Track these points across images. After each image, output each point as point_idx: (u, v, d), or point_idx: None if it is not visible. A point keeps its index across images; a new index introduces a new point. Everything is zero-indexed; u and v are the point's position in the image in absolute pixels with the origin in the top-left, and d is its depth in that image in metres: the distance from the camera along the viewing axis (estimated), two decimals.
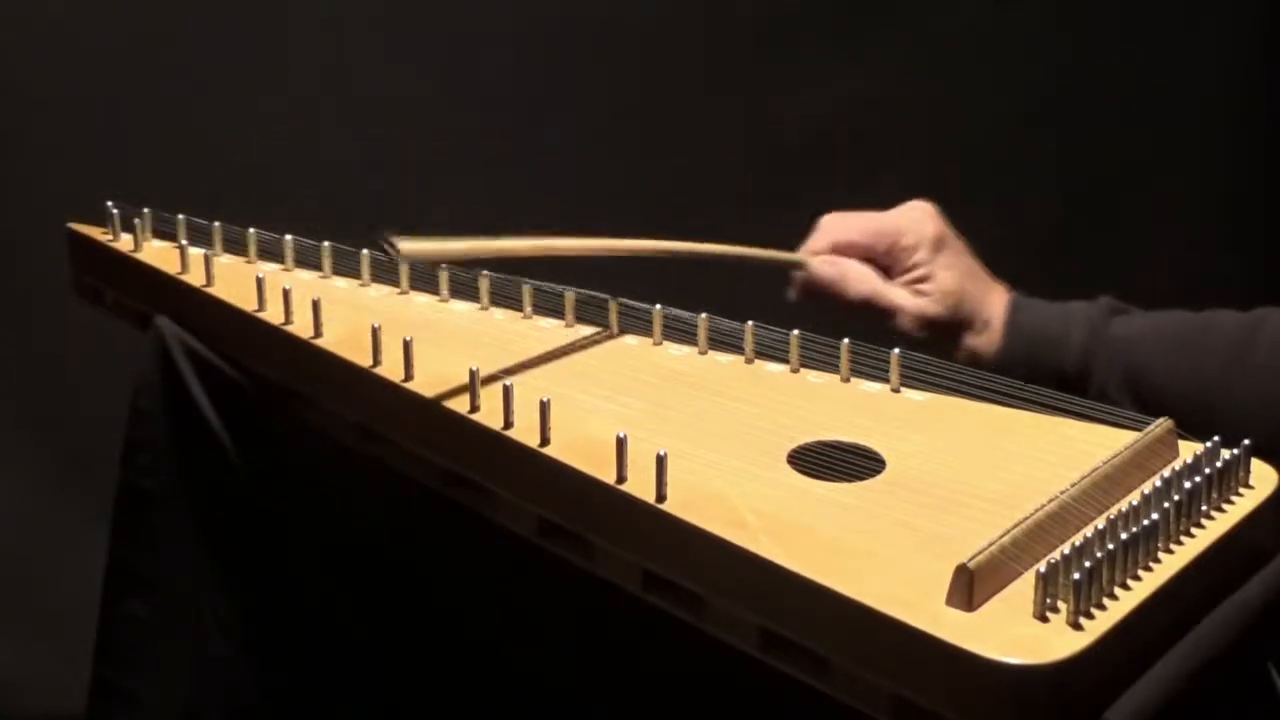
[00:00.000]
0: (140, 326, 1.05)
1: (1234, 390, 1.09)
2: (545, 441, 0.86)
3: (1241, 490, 0.82)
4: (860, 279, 1.14)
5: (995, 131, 2.11)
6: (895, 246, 1.15)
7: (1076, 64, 2.15)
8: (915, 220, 1.17)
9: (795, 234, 1.19)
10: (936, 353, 1.12)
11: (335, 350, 0.96)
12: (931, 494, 0.82)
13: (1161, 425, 0.85)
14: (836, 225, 1.16)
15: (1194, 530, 0.78)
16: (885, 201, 1.20)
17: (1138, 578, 0.74)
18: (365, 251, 1.08)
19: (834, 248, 1.15)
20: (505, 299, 1.06)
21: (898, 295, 1.15)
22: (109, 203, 1.11)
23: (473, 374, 0.89)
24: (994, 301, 1.17)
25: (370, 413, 0.95)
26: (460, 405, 0.89)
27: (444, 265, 1.05)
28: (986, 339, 1.15)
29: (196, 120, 1.74)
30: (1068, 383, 1.13)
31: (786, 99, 2.00)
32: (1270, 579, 0.79)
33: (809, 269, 1.14)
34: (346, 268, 1.09)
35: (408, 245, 0.91)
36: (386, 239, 0.90)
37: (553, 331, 1.03)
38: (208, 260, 1.05)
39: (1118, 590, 0.73)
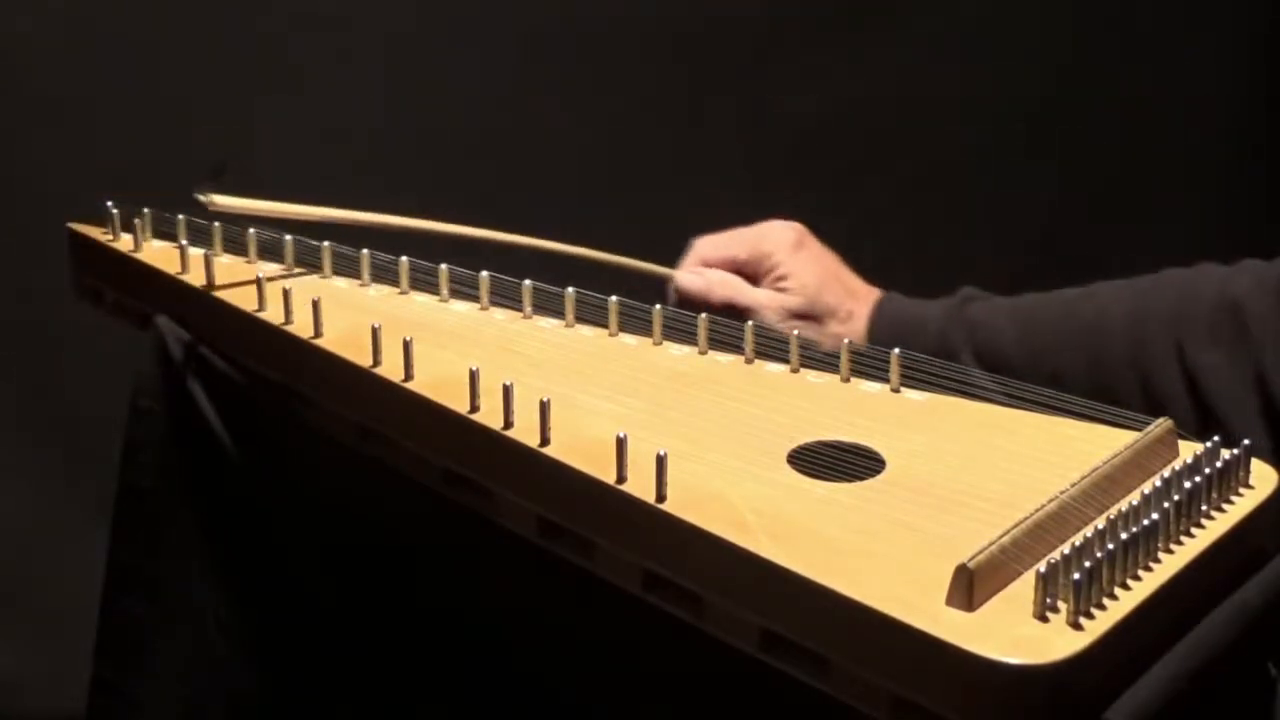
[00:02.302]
0: (140, 326, 1.05)
1: (1062, 356, 1.17)
2: (545, 441, 0.86)
3: (1241, 490, 0.82)
4: (722, 284, 1.24)
5: (995, 131, 2.11)
6: (757, 254, 1.25)
7: (1076, 64, 2.15)
8: (776, 229, 1.27)
9: None
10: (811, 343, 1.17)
11: (335, 350, 0.96)
12: (931, 494, 0.82)
13: (1161, 425, 0.85)
14: (704, 244, 1.26)
15: (1194, 530, 0.78)
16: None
17: (1138, 578, 0.74)
18: (365, 251, 1.08)
19: (703, 263, 1.25)
20: (505, 299, 1.06)
21: (759, 294, 1.24)
22: (109, 203, 1.11)
23: (473, 374, 0.89)
24: (859, 297, 1.27)
25: (370, 413, 0.95)
26: (460, 405, 0.89)
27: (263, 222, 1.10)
28: (852, 328, 1.24)
29: (196, 120, 1.74)
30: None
31: (787, 99, 2.00)
32: (1270, 579, 0.79)
33: (675, 281, 1.24)
34: (346, 268, 1.09)
35: (222, 200, 1.03)
36: (206, 184, 1.01)
37: (553, 331, 1.03)
38: (208, 260, 1.05)
39: (1118, 590, 0.73)
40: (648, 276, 1.24)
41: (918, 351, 1.16)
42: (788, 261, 1.25)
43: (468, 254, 1.09)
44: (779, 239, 1.26)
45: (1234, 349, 1.11)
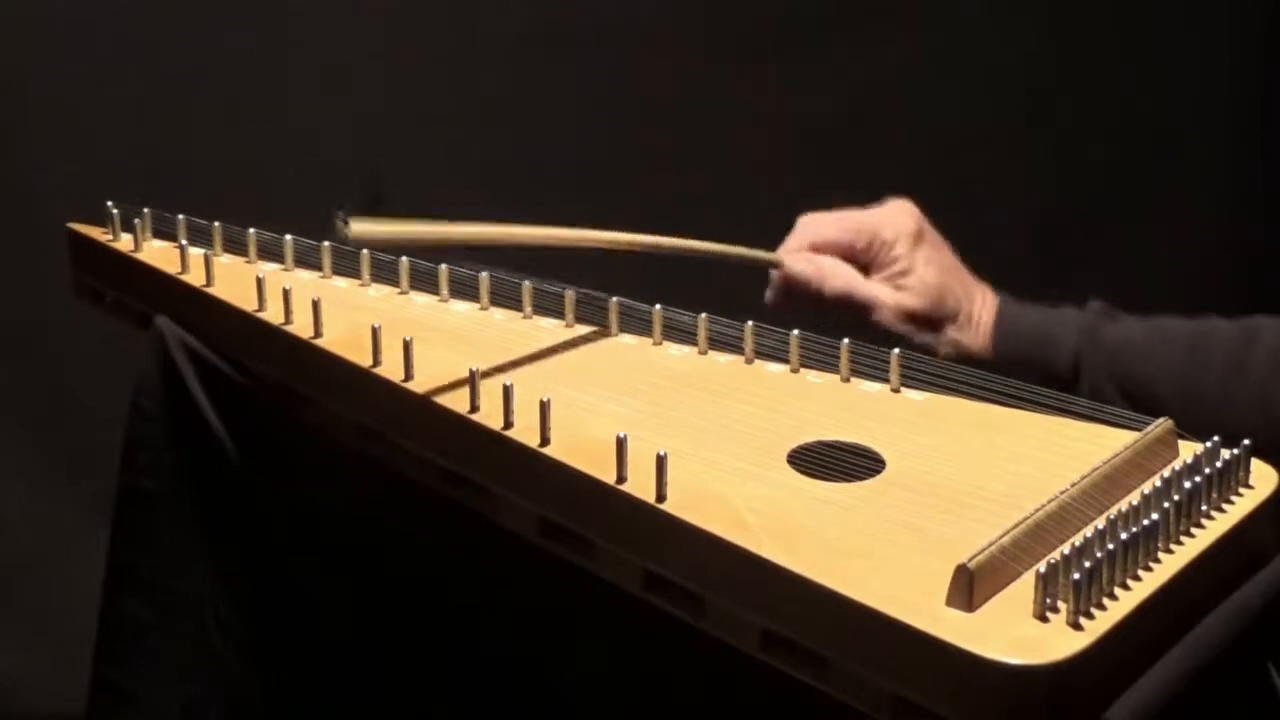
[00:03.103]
0: (140, 326, 1.05)
1: (1229, 404, 1.09)
2: (545, 441, 0.85)
3: (1241, 490, 0.82)
4: (836, 274, 1.13)
5: (994, 131, 2.11)
6: (874, 242, 1.15)
7: (1076, 64, 2.16)
8: (894, 216, 1.16)
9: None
10: (924, 350, 1.12)
11: (335, 350, 0.96)
12: (932, 494, 0.82)
13: (1161, 425, 0.85)
14: (814, 224, 1.16)
15: (1194, 530, 0.78)
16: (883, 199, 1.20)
17: (1138, 578, 0.74)
18: (365, 251, 1.08)
19: (812, 246, 1.14)
20: (505, 299, 1.06)
21: (876, 290, 1.14)
22: (109, 203, 1.11)
23: (473, 374, 0.89)
24: (977, 298, 1.17)
25: (370, 413, 0.95)
26: (460, 405, 0.89)
27: (398, 250, 1.05)
28: (972, 335, 1.15)
29: (196, 120, 1.74)
30: (1057, 385, 1.12)
31: (786, 98, 2.00)
32: (1270, 579, 0.79)
33: (785, 267, 1.13)
34: (346, 268, 1.09)
35: (361, 226, 0.90)
36: (340, 216, 0.89)
37: (553, 331, 1.03)
38: (208, 260, 1.05)
39: (1118, 590, 0.73)
40: (747, 264, 1.13)
41: (1046, 371, 1.12)
42: (909, 255, 1.14)
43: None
44: (899, 227, 1.15)
45: None
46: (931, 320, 1.14)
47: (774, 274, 1.15)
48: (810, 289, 1.13)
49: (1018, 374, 1.12)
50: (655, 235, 1.05)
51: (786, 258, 1.14)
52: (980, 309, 1.16)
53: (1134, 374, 1.12)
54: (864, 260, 1.15)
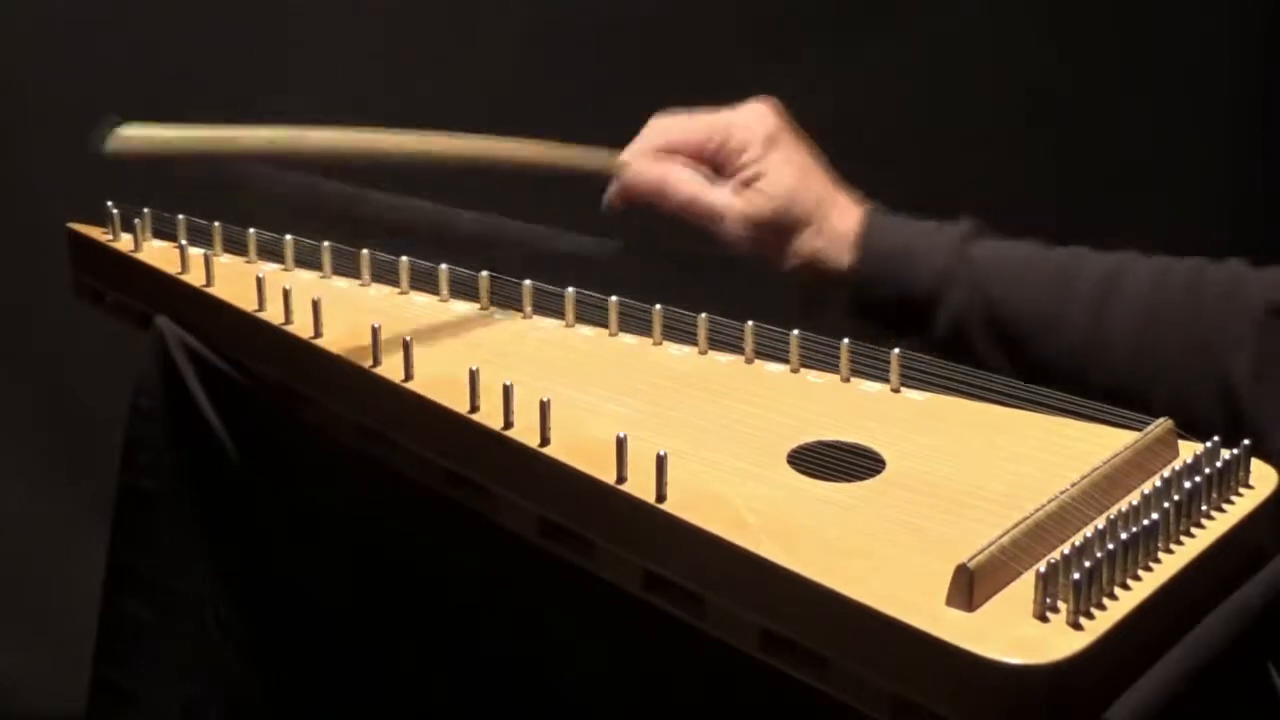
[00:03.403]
0: (140, 326, 1.05)
1: (1095, 339, 1.04)
2: (545, 441, 0.85)
3: (1241, 490, 0.82)
4: (682, 181, 1.07)
5: (994, 131, 2.11)
6: (725, 145, 1.08)
7: (1076, 64, 2.16)
8: (748, 117, 1.10)
9: None
10: (778, 267, 1.08)
11: (335, 350, 0.96)
12: (932, 494, 0.82)
13: (1161, 425, 0.85)
14: (664, 125, 1.10)
15: (1194, 530, 0.78)
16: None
17: (1138, 578, 0.74)
18: (365, 251, 1.08)
19: (660, 148, 1.09)
20: (506, 299, 1.06)
21: (720, 196, 1.07)
22: (109, 203, 1.11)
23: (473, 374, 0.89)
24: (838, 207, 1.10)
25: (370, 413, 0.95)
26: (460, 405, 0.89)
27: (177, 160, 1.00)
28: (834, 250, 1.08)
29: (196, 120, 1.74)
30: (913, 309, 1.07)
31: (786, 99, 2.00)
32: (1270, 579, 0.79)
33: (629, 173, 1.07)
34: (346, 268, 1.09)
35: (131, 131, 0.88)
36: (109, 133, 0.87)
37: (552, 331, 1.03)
38: (208, 260, 1.05)
39: (1118, 590, 0.73)
40: (589, 171, 1.07)
41: (902, 292, 1.06)
42: (761, 159, 1.08)
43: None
44: (752, 129, 1.09)
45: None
46: (782, 228, 1.07)
47: (616, 178, 1.08)
48: (654, 197, 1.07)
49: (876, 298, 1.08)
50: (486, 141, 1.00)
51: (632, 161, 1.07)
52: (842, 219, 1.08)
53: (1005, 298, 1.06)
54: (715, 164, 1.08)
